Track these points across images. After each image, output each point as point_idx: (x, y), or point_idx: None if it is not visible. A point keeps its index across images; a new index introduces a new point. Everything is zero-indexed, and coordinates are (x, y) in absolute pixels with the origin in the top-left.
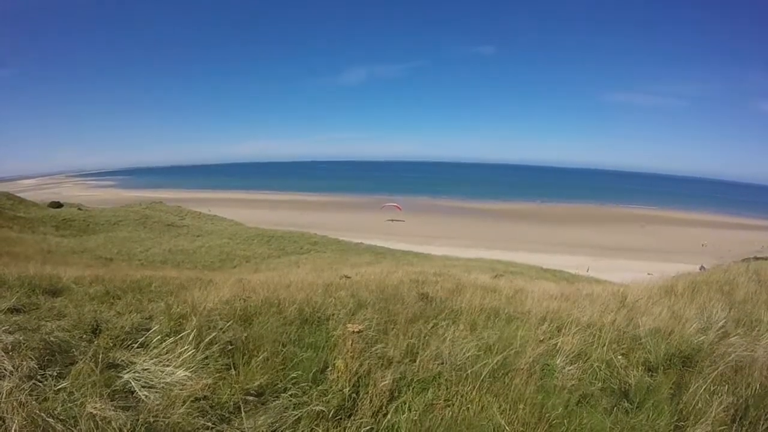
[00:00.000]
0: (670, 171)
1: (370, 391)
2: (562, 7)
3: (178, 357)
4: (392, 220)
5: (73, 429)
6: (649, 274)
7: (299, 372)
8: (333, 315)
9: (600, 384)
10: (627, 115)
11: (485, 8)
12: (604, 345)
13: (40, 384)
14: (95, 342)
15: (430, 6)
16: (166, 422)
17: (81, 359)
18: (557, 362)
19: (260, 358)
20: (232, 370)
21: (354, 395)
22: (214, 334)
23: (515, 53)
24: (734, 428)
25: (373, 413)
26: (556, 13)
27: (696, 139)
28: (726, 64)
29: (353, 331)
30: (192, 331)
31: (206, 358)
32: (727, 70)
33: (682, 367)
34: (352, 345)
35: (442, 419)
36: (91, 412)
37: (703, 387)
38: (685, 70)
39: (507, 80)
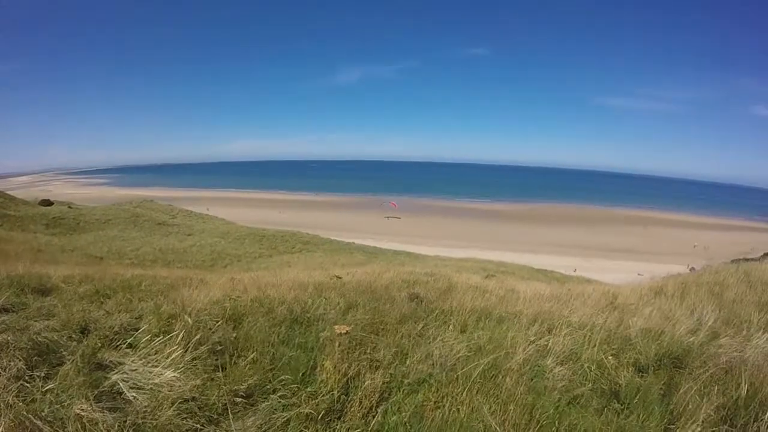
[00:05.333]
0: (661, 173)
1: (359, 393)
2: (559, 9)
3: (167, 357)
4: (389, 217)
5: (60, 431)
6: (639, 274)
7: (288, 373)
8: (323, 315)
9: (590, 385)
10: (620, 118)
11: (480, 10)
12: (595, 346)
13: (27, 385)
14: (84, 342)
15: (425, 7)
16: (154, 424)
17: (69, 360)
18: (548, 363)
19: (249, 358)
20: (221, 370)
21: (343, 397)
22: (202, 334)
23: (509, 55)
24: (725, 429)
25: (362, 415)
26: (552, 16)
27: (687, 142)
28: (719, 70)
29: (341, 333)
30: (181, 331)
31: (195, 358)
32: (720, 76)
33: (673, 367)
34: (340, 346)
35: (432, 421)
36: (79, 414)
37: (694, 388)
38: (677, 74)
39: (501, 82)
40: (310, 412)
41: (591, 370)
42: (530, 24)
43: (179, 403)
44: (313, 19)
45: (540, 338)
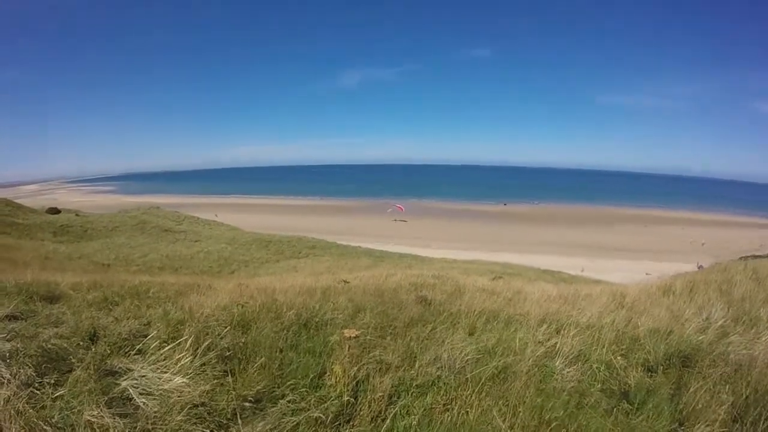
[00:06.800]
0: (665, 170)
1: (368, 397)
2: (558, 8)
3: (176, 363)
4: (396, 220)
5: None
6: (647, 273)
7: (297, 378)
8: (331, 320)
9: (599, 385)
10: (622, 116)
11: (480, 10)
12: (604, 346)
13: (37, 392)
14: (93, 349)
15: (425, 9)
16: (164, 429)
17: (79, 366)
18: (557, 364)
19: (258, 364)
20: (230, 376)
21: (353, 400)
22: (211, 340)
23: (510, 56)
24: (735, 428)
25: (372, 419)
26: (552, 16)
27: (690, 138)
28: (721, 66)
29: (350, 337)
30: (189, 337)
31: (204, 364)
32: (723, 72)
33: (682, 367)
34: (349, 350)
35: (441, 423)
36: (89, 420)
37: (703, 387)
38: (679, 71)
39: (502, 83)
40: (320, 416)
41: (600, 371)
42: (531, 24)
43: (189, 408)
44: (314, 23)
45: (548, 339)
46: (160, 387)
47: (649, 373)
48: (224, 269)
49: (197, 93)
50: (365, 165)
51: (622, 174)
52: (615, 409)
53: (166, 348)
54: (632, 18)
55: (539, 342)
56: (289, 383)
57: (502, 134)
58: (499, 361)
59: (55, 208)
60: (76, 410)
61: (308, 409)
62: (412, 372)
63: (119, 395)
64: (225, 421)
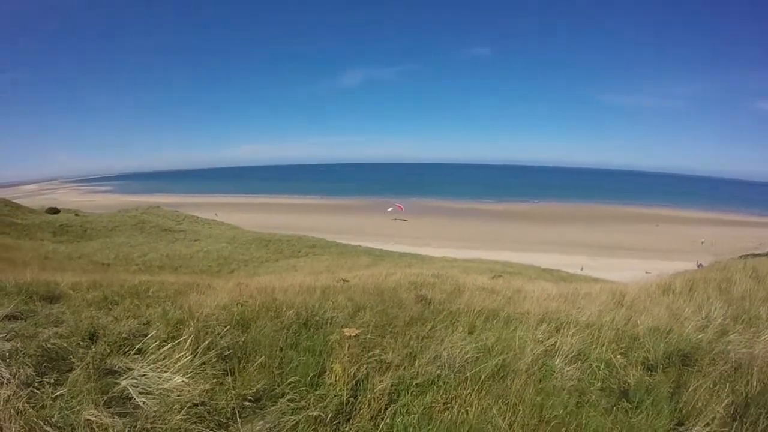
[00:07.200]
0: (665, 169)
1: (368, 395)
2: (559, 8)
3: (176, 363)
4: (395, 219)
5: None
6: (647, 272)
7: (297, 377)
8: (331, 319)
9: (599, 384)
10: (623, 115)
11: (480, 11)
12: (603, 345)
13: (37, 391)
14: (93, 348)
15: (425, 9)
16: (164, 428)
17: (78, 366)
18: (556, 363)
19: (257, 363)
20: (230, 375)
21: (352, 399)
22: (211, 339)
23: (511, 55)
24: (735, 426)
25: (371, 417)
26: (553, 14)
27: (691, 137)
28: (722, 64)
29: (349, 336)
30: (189, 336)
31: (203, 363)
32: (723, 72)
33: (682, 365)
34: (349, 349)
35: (441, 422)
36: (88, 419)
37: (703, 385)
38: (680, 70)
39: (503, 82)
40: (319, 415)
41: (600, 370)
42: (531, 24)
43: (188, 407)
44: (314, 23)
45: (548, 338)
46: (160, 386)
47: (649, 372)
48: (224, 268)
49: (198, 93)
50: (366, 164)
51: (622, 173)
52: (615, 408)
53: (166, 347)
54: (632, 18)
55: (539, 341)
56: (288, 382)
57: (503, 133)
58: (499, 359)
59: (55, 207)
60: (75, 410)
61: (308, 408)
62: (412, 371)
63: (119, 394)
64: (225, 420)
